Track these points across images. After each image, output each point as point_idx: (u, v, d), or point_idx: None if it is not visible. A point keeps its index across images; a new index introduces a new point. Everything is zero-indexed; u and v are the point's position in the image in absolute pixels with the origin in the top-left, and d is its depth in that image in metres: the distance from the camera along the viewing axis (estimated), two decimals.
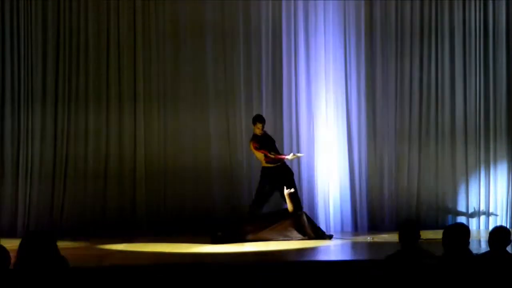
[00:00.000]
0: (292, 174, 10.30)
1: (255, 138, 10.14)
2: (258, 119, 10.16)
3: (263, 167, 10.20)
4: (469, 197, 11.12)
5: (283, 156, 10.12)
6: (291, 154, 10.16)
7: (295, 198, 10.01)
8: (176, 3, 11.22)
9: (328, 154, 11.17)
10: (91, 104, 11.08)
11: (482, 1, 11.13)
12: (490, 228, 8.50)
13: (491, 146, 11.11)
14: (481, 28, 11.11)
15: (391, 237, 9.77)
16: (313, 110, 11.25)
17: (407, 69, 11.24)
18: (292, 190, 9.91)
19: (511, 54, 11.14)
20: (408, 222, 5.51)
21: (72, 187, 10.97)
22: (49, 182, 10.95)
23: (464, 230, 5.20)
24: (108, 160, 11.11)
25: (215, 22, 11.24)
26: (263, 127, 10.10)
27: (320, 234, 9.96)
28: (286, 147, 11.06)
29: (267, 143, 10.15)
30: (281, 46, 11.25)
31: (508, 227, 8.62)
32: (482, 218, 11.08)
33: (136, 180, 11.11)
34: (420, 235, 5.37)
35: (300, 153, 10.53)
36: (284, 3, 11.22)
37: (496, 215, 11.01)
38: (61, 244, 4.98)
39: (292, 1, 11.25)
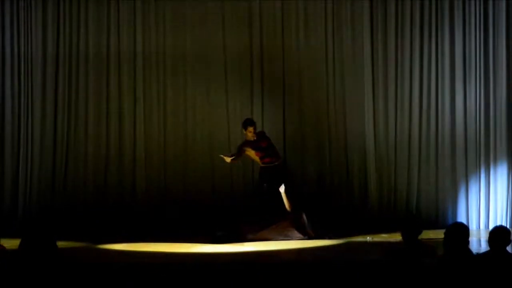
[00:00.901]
0: (291, 174, 10.30)
1: (243, 143, 10.22)
2: (249, 123, 10.16)
3: (261, 167, 10.24)
4: (469, 198, 11.10)
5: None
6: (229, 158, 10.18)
7: (291, 196, 10.01)
8: (176, 4, 11.26)
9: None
10: (91, 83, 11.11)
11: (482, 1, 11.12)
12: (490, 228, 8.50)
13: (491, 146, 11.10)
14: (481, 28, 11.10)
15: (390, 237, 9.77)
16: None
17: (407, 70, 11.23)
18: (283, 188, 9.89)
19: (511, 54, 11.13)
20: (410, 216, 5.54)
21: (72, 173, 11.07)
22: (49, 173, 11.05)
23: (464, 229, 5.20)
24: (109, 157, 11.16)
25: (217, 23, 11.29)
26: (254, 130, 10.12)
27: (319, 234, 9.95)
28: (288, 150, 11.17)
29: (259, 143, 10.15)
30: (282, 45, 11.28)
31: (508, 227, 8.62)
32: (482, 220, 11.08)
33: (135, 167, 11.16)
34: (421, 229, 5.38)
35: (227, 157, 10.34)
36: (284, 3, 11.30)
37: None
38: (61, 244, 4.98)
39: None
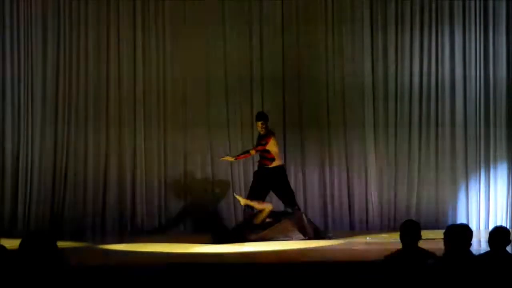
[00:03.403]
0: (283, 177, 10.26)
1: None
2: (256, 117, 10.15)
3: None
4: (469, 198, 11.11)
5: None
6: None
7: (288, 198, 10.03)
8: (176, 6, 11.25)
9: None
10: (91, 89, 11.11)
11: (482, 2, 11.12)
12: (490, 228, 8.50)
13: (491, 146, 11.11)
14: (481, 28, 11.10)
15: (390, 237, 9.78)
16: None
17: (407, 70, 11.24)
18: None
19: (511, 54, 11.13)
20: (409, 222, 5.48)
21: (71, 194, 11.03)
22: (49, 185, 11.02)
23: (469, 231, 5.16)
24: (108, 157, 11.16)
25: (217, 24, 11.29)
26: (262, 125, 10.05)
27: (320, 234, 9.96)
28: (288, 150, 11.13)
29: (259, 140, 10.15)
30: (282, 45, 11.27)
31: (508, 227, 8.62)
32: (482, 220, 11.08)
33: (136, 165, 11.17)
34: (421, 235, 5.36)
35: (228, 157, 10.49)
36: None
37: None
38: (61, 244, 4.99)
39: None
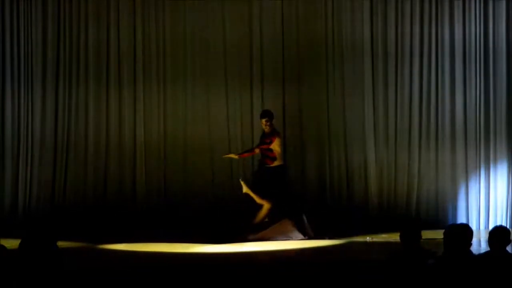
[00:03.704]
0: (284, 177, 10.27)
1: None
2: (261, 114, 10.17)
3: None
4: (469, 198, 11.11)
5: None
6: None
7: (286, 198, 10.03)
8: (176, 6, 11.26)
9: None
10: (91, 86, 11.10)
11: (482, 2, 11.12)
12: (490, 228, 8.50)
13: (491, 146, 11.10)
14: (481, 29, 11.09)
15: (390, 237, 9.78)
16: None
17: (407, 71, 11.23)
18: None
19: (511, 53, 11.13)
20: (410, 222, 5.47)
21: (73, 171, 11.06)
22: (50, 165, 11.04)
23: (469, 231, 5.16)
24: (109, 140, 11.18)
25: (217, 18, 11.31)
26: (266, 122, 10.06)
27: (319, 234, 9.95)
28: (288, 150, 11.13)
29: (264, 138, 10.15)
30: (282, 44, 11.27)
31: (508, 227, 8.62)
32: (482, 220, 11.09)
33: (136, 164, 11.19)
34: (421, 235, 5.36)
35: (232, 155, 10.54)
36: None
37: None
38: (61, 244, 4.99)
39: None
